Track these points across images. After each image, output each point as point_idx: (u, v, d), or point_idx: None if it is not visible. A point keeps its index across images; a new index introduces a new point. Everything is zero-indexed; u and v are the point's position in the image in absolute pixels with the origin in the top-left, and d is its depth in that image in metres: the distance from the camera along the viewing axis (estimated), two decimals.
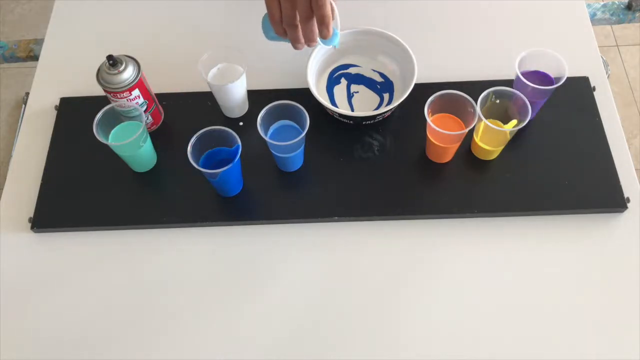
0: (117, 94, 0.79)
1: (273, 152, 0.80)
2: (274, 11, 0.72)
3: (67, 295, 0.78)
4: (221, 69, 0.85)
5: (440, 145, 0.80)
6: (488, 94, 0.78)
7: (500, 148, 0.81)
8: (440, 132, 0.75)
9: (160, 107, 0.87)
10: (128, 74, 0.79)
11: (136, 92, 0.80)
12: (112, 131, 0.81)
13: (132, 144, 0.77)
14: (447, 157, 0.83)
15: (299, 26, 0.72)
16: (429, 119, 0.77)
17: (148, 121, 0.81)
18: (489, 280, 0.77)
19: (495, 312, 0.75)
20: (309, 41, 0.74)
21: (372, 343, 0.74)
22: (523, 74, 0.80)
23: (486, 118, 0.78)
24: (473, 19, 0.99)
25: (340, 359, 0.73)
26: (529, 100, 0.77)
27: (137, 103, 0.81)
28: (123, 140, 0.78)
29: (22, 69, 1.86)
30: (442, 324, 0.75)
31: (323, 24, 0.71)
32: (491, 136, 0.80)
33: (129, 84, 0.78)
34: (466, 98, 0.77)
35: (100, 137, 0.77)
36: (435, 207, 0.82)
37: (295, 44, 0.75)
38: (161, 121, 0.89)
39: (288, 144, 0.75)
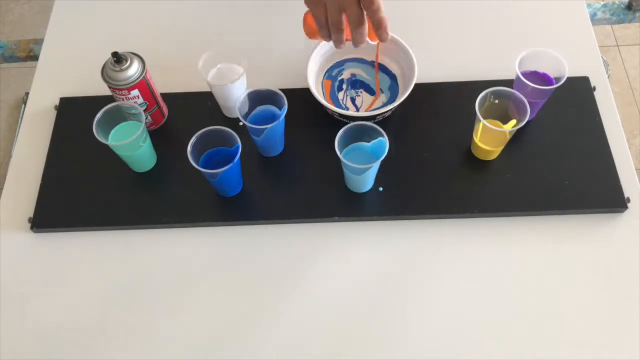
0: (117, 91, 0.80)
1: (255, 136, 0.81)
2: (320, 16, 0.73)
3: (67, 295, 0.78)
4: (221, 69, 0.85)
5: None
6: (486, 94, 0.78)
7: (500, 148, 0.81)
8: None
9: (163, 108, 0.87)
10: (130, 72, 0.79)
11: (135, 92, 0.80)
12: (112, 131, 0.81)
13: (132, 144, 0.77)
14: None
15: (345, 30, 0.73)
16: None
17: (147, 121, 0.81)
18: (489, 280, 0.77)
19: (495, 311, 0.75)
20: (358, 44, 0.74)
21: (372, 342, 0.74)
22: (523, 74, 0.80)
23: (485, 118, 0.78)
24: (473, 18, 0.99)
25: (340, 358, 0.73)
26: (528, 100, 0.77)
27: (135, 102, 0.81)
28: (123, 140, 0.78)
29: (22, 69, 1.86)
30: (442, 323, 0.75)
31: (382, 29, 0.72)
32: (491, 136, 0.80)
33: (129, 83, 0.79)
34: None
35: (99, 137, 0.77)
36: (435, 207, 0.81)
37: (338, 45, 0.75)
38: (162, 122, 0.89)
39: (268, 125, 0.75)
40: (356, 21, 0.71)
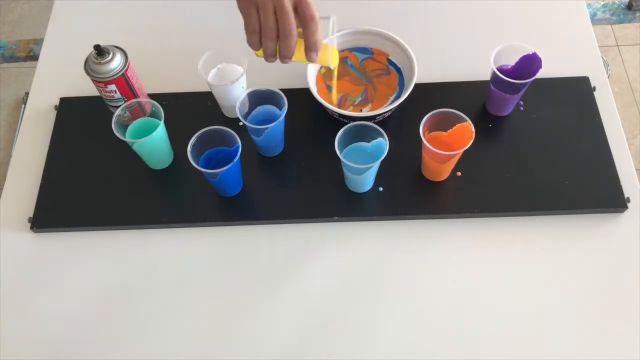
0: (96, 82, 0.82)
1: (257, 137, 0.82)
2: (252, 20, 0.66)
3: (67, 295, 0.78)
4: (221, 69, 0.85)
5: (437, 164, 0.79)
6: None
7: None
8: (437, 151, 0.74)
9: (145, 106, 0.87)
10: (111, 66, 0.80)
11: (112, 87, 0.82)
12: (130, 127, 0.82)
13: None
14: (444, 176, 0.82)
15: (277, 41, 0.66)
16: (424, 139, 0.75)
17: (125, 115, 0.82)
18: (489, 279, 0.77)
19: (496, 311, 0.75)
20: (284, 58, 0.68)
21: (373, 341, 0.74)
22: (506, 66, 0.81)
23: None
24: (473, 19, 0.99)
25: (342, 358, 0.73)
26: (505, 95, 0.80)
27: (112, 97, 0.83)
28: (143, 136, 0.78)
29: (22, 69, 1.86)
30: (443, 322, 0.75)
31: (313, 50, 0.66)
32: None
33: (107, 77, 0.80)
34: (458, 114, 0.76)
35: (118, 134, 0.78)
36: (436, 207, 0.82)
37: (268, 57, 0.69)
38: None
39: (268, 125, 0.75)
40: (286, 31, 0.64)
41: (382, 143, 0.75)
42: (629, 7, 1.38)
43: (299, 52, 0.68)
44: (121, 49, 0.82)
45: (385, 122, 0.86)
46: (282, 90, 0.79)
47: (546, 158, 0.84)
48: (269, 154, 0.85)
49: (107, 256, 0.81)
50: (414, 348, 0.73)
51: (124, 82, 0.82)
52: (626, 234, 0.79)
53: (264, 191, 0.84)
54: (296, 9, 0.65)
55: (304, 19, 0.65)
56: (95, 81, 0.81)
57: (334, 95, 0.85)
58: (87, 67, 0.81)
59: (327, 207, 0.82)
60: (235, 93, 0.83)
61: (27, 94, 1.66)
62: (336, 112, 0.83)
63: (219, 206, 0.83)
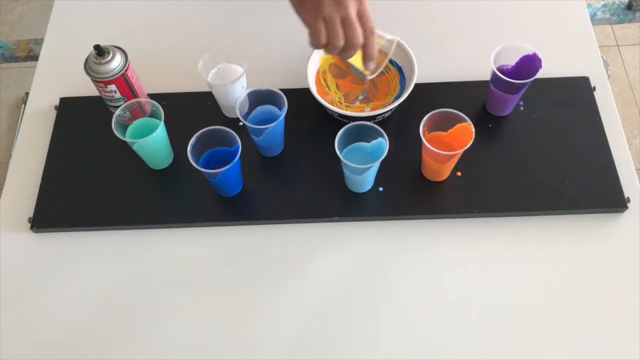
0: (96, 82, 0.82)
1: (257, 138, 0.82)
2: (320, 35, 0.68)
3: (67, 295, 0.78)
4: (221, 69, 0.85)
5: (437, 164, 0.79)
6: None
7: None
8: (437, 152, 0.74)
9: (145, 106, 0.87)
10: (111, 66, 0.80)
11: (112, 87, 0.82)
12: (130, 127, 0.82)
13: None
14: (444, 176, 0.82)
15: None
16: (424, 139, 0.75)
17: (125, 115, 0.82)
18: (489, 279, 0.77)
19: (496, 311, 0.75)
20: (342, 60, 0.74)
21: (373, 342, 0.74)
22: (506, 66, 0.82)
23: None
24: (473, 19, 0.99)
25: (342, 358, 0.73)
26: (505, 95, 0.80)
27: (112, 97, 0.83)
28: (142, 136, 0.79)
29: (22, 69, 1.86)
30: (443, 322, 0.75)
31: (372, 60, 0.72)
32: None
33: (107, 77, 0.81)
34: (458, 115, 0.76)
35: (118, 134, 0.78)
36: (436, 207, 0.82)
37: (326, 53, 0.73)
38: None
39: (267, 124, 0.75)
40: (354, 43, 0.68)
41: (382, 143, 0.75)
42: (629, 7, 1.39)
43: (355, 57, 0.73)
44: (121, 49, 0.82)
45: (385, 122, 0.86)
46: (282, 90, 0.79)
47: (546, 158, 0.84)
48: (269, 154, 0.85)
49: (107, 256, 0.81)
50: (414, 348, 0.73)
51: (124, 82, 0.82)
52: (626, 234, 0.79)
53: (264, 191, 0.84)
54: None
55: (366, 32, 0.69)
56: (95, 81, 0.81)
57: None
58: (87, 67, 0.81)
59: (327, 207, 0.82)
60: (235, 93, 0.83)
61: (27, 94, 1.66)
62: (336, 112, 0.83)
63: (219, 206, 0.83)
